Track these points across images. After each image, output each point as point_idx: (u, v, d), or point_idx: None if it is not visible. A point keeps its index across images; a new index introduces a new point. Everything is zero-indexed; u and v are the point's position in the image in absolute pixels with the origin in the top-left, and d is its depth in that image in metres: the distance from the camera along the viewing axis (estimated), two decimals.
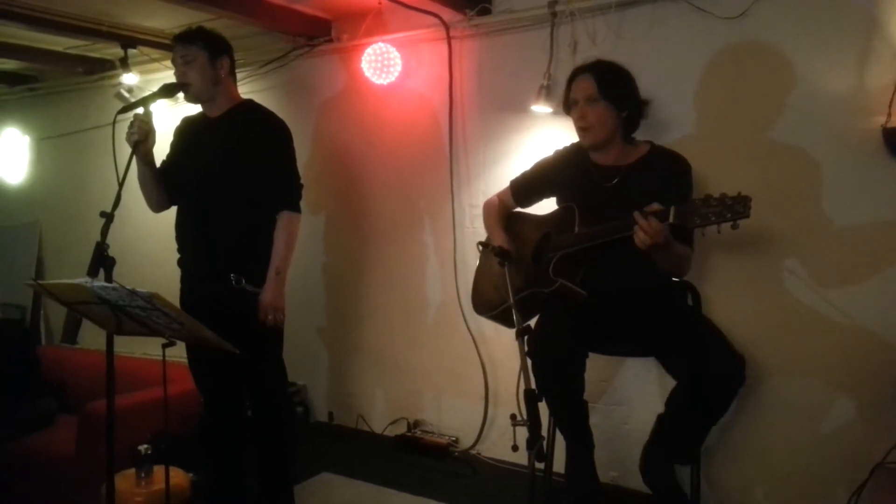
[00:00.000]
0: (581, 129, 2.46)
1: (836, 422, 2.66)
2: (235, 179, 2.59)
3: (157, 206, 2.79)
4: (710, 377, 2.18)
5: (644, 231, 2.07)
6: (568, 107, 2.52)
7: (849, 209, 2.61)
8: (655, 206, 2.09)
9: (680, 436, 2.37)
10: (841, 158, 2.61)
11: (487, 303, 2.71)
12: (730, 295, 2.82)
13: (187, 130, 2.79)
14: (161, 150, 2.72)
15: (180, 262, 2.74)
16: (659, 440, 2.40)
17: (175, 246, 2.75)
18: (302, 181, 2.74)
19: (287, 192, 2.67)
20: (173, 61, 2.65)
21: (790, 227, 2.71)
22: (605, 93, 2.39)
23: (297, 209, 2.68)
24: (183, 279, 2.74)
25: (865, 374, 2.60)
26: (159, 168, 2.74)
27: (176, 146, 2.80)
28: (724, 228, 2.00)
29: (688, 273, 2.42)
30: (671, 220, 2.06)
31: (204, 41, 2.61)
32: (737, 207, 1.96)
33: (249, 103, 2.75)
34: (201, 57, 2.60)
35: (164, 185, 2.73)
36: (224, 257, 2.59)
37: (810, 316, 2.69)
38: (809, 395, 2.70)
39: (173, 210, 2.80)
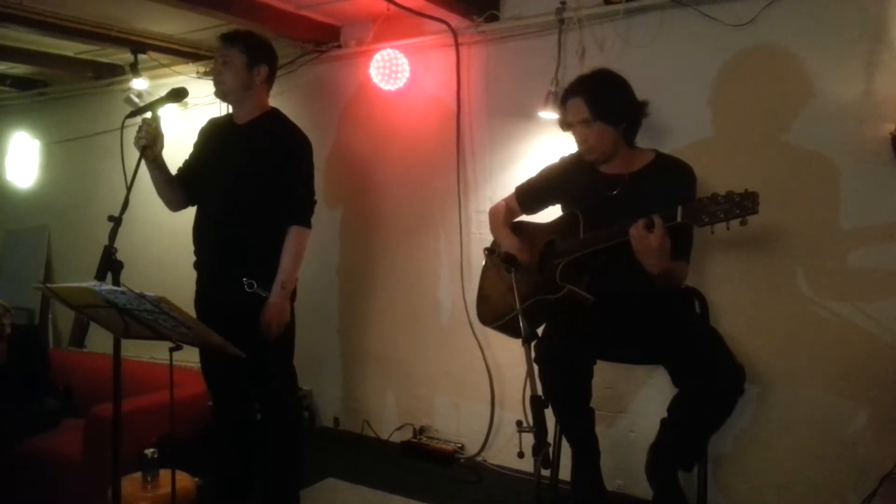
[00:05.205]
0: (586, 151, 2.46)
1: (848, 430, 2.64)
2: (255, 189, 2.61)
3: (175, 205, 2.80)
4: (709, 388, 2.17)
5: (637, 237, 2.10)
6: (565, 126, 2.53)
7: (859, 216, 2.60)
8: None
9: (681, 442, 2.37)
10: (850, 165, 2.60)
11: (493, 312, 2.70)
12: (739, 302, 2.81)
13: (212, 133, 2.81)
14: (175, 152, 2.74)
15: (196, 265, 2.75)
16: (662, 445, 2.40)
17: (184, 249, 2.77)
18: (316, 197, 2.76)
19: (299, 207, 2.67)
20: (215, 59, 2.70)
21: (799, 234, 2.70)
22: (598, 113, 2.38)
23: (307, 225, 2.68)
24: (198, 282, 2.75)
25: (877, 382, 2.58)
26: (181, 168, 2.78)
27: (200, 147, 2.82)
28: (733, 226, 1.99)
29: (681, 286, 2.41)
30: (679, 219, 2.06)
31: (246, 45, 2.65)
32: (745, 204, 1.96)
33: (275, 114, 2.76)
34: (239, 60, 2.63)
35: (184, 184, 2.75)
36: (240, 262, 2.61)
37: (820, 324, 2.68)
38: (820, 402, 2.69)
39: (182, 214, 2.82)
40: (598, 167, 2.50)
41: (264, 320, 2.57)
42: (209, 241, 2.70)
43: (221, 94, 2.69)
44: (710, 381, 2.17)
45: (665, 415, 2.39)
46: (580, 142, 2.46)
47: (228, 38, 2.66)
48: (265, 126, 2.69)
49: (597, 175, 2.50)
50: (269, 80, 2.74)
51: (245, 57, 2.63)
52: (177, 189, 2.74)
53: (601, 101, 2.39)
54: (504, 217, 2.77)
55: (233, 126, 2.74)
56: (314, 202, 2.75)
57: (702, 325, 2.54)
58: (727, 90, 2.82)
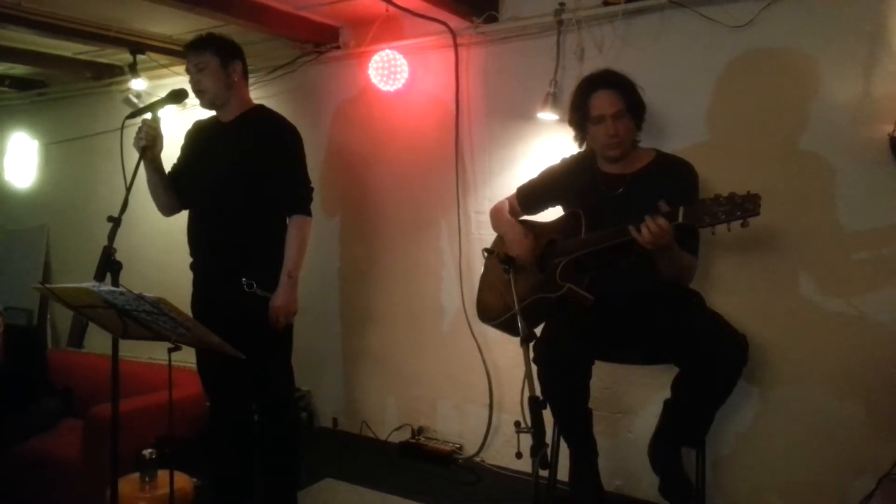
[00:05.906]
0: (613, 144, 2.41)
1: (847, 430, 2.65)
2: (246, 184, 2.61)
3: (168, 209, 2.81)
4: (712, 357, 2.16)
5: (649, 230, 2.09)
6: (582, 120, 2.47)
7: (858, 217, 2.60)
8: (664, 207, 2.10)
9: (685, 418, 2.37)
10: (849, 166, 2.61)
11: (492, 311, 2.70)
12: (739, 303, 2.80)
13: (198, 135, 2.81)
14: (171, 154, 2.73)
15: (192, 266, 2.75)
16: (666, 426, 2.40)
17: (183, 250, 2.76)
18: (312, 185, 2.76)
19: (298, 196, 2.68)
20: (187, 69, 2.67)
21: (798, 234, 2.70)
22: (630, 107, 2.41)
23: (308, 213, 2.69)
24: (195, 282, 2.75)
25: (876, 382, 2.59)
26: (170, 172, 2.77)
27: (187, 150, 2.81)
28: (734, 227, 2.00)
29: (690, 282, 2.41)
30: (681, 219, 2.07)
31: (215, 47, 2.64)
32: (746, 206, 1.97)
33: (260, 108, 2.76)
34: (213, 63, 2.62)
35: (175, 189, 2.75)
36: (235, 261, 2.60)
37: (820, 324, 2.68)
38: (820, 402, 2.69)
39: (181, 215, 2.82)
40: (601, 167, 2.50)
41: (273, 312, 2.58)
42: (203, 241, 2.70)
43: (208, 103, 2.68)
44: (710, 351, 2.16)
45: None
46: (608, 135, 2.39)
47: (196, 46, 2.64)
48: (252, 122, 2.69)
49: (599, 175, 2.50)
50: (245, 75, 2.74)
51: (218, 58, 2.63)
52: (170, 192, 2.74)
53: (631, 94, 2.42)
54: (509, 213, 2.78)
55: (219, 125, 2.74)
56: (311, 189, 2.74)
57: (699, 314, 2.53)
58: (726, 91, 2.82)
